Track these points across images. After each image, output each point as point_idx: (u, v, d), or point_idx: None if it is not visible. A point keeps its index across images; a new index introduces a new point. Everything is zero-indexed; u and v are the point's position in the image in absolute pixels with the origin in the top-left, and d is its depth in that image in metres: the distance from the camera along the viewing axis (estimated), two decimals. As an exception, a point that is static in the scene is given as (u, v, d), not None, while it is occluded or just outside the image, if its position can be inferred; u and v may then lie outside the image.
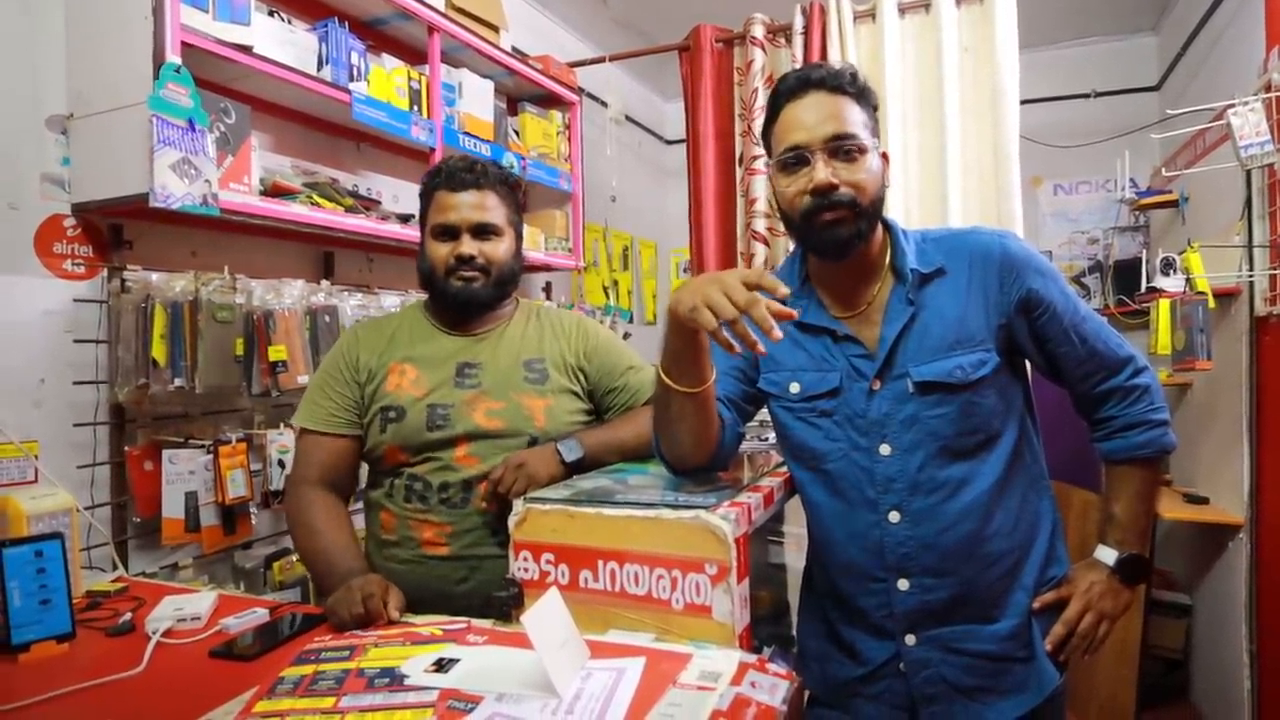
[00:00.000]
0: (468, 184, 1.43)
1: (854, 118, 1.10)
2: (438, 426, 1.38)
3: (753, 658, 0.95)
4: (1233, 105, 2.16)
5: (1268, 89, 2.23)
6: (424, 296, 1.55)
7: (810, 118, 1.10)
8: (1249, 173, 2.34)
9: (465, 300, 1.44)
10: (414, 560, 1.38)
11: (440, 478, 1.37)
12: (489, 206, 1.44)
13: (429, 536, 1.37)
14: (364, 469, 1.50)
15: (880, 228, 1.18)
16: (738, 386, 1.26)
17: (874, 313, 1.16)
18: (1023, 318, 1.13)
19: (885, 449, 1.13)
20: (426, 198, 1.47)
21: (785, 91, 1.13)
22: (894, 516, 1.13)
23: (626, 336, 3.52)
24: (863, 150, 1.10)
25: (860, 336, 1.16)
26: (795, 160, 1.10)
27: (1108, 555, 1.17)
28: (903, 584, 1.13)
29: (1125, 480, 1.19)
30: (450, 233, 1.43)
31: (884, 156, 1.16)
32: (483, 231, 1.43)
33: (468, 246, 1.41)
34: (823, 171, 1.08)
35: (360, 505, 1.53)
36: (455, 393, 1.41)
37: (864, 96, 1.13)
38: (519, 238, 1.52)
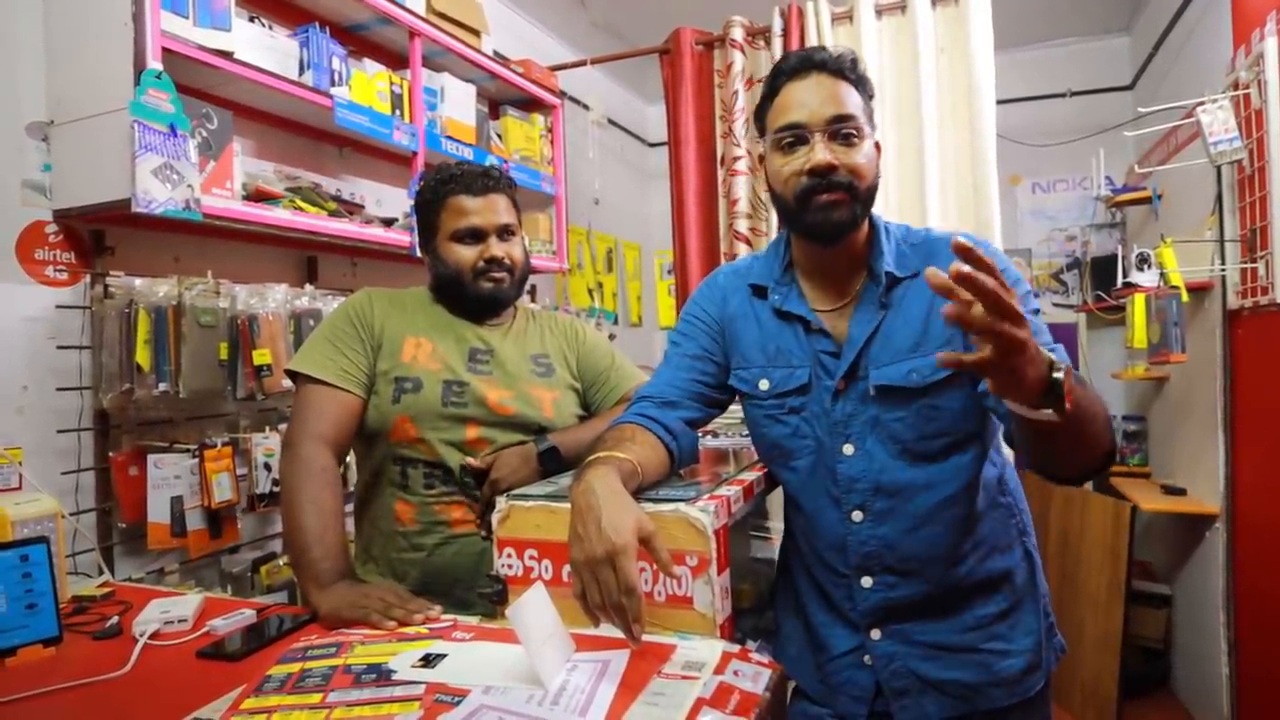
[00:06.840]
0: (488, 188, 1.45)
1: (854, 102, 1.09)
2: (453, 403, 1.39)
3: (736, 647, 0.96)
4: (1202, 103, 2.21)
5: (1235, 87, 2.28)
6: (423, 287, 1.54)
7: (812, 98, 1.08)
8: (1219, 169, 2.39)
9: (494, 301, 1.46)
10: (442, 542, 1.39)
11: (458, 459, 1.38)
12: (506, 209, 1.47)
13: (459, 516, 1.39)
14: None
15: (867, 221, 1.15)
16: (708, 374, 1.22)
17: (850, 310, 1.15)
18: None
19: (849, 449, 1.12)
20: (438, 204, 1.46)
21: (787, 71, 1.11)
22: (857, 516, 1.12)
23: (612, 338, 3.52)
24: (861, 135, 1.08)
25: (833, 332, 1.14)
26: (794, 140, 1.09)
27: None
28: (866, 581, 1.13)
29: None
30: (477, 235, 1.44)
31: (877, 146, 1.14)
32: (506, 233, 1.47)
33: (498, 248, 1.44)
34: (822, 152, 1.06)
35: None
36: (469, 374, 1.42)
37: (863, 84, 1.12)
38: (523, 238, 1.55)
